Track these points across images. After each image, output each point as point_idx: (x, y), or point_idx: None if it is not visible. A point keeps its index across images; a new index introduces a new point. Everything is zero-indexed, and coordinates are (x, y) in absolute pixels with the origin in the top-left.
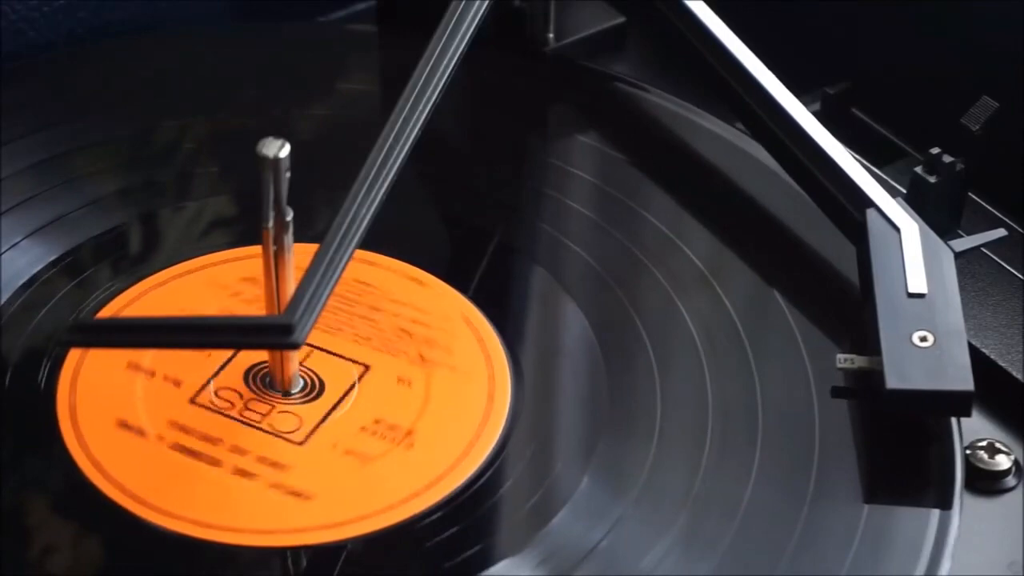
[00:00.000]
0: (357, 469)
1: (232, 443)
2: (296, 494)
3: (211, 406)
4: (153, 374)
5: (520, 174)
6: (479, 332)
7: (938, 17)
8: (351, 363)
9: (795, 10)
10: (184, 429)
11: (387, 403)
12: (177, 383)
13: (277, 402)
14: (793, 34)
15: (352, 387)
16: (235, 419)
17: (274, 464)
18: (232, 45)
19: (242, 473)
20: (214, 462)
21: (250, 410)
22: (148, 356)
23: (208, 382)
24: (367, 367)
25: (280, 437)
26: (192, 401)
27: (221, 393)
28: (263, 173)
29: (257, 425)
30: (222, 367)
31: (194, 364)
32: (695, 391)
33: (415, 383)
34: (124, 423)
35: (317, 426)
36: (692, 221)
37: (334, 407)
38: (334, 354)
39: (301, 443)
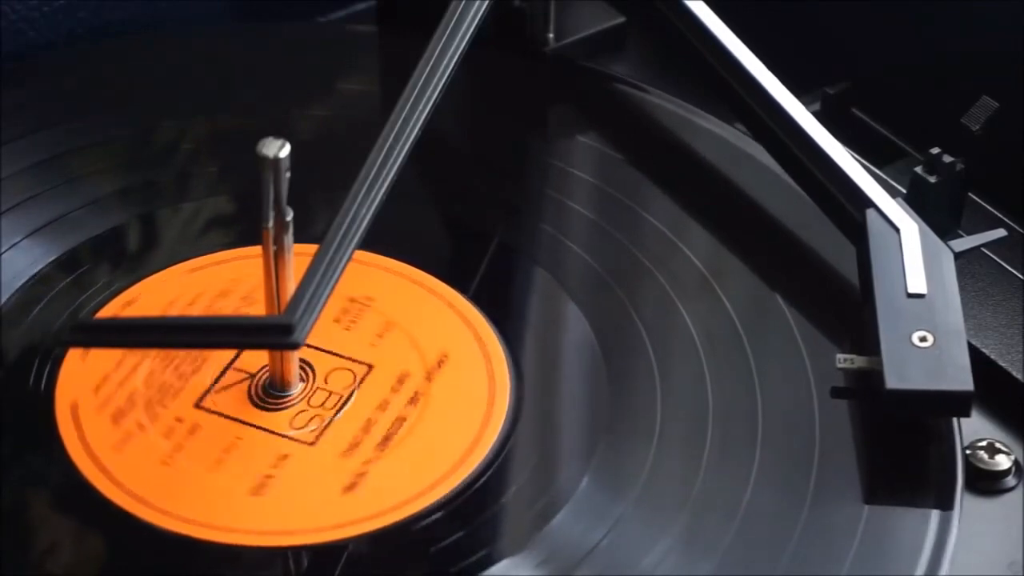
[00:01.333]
0: (359, 467)
1: (234, 443)
2: (303, 493)
3: (215, 409)
4: (154, 380)
5: (520, 174)
6: (479, 332)
7: (938, 17)
8: (351, 362)
9: (795, 10)
10: (191, 432)
11: (389, 400)
12: (180, 387)
13: (279, 403)
14: (793, 34)
15: (354, 386)
16: (241, 421)
17: (278, 464)
18: (232, 45)
19: (245, 473)
20: (219, 463)
21: (254, 412)
22: (148, 359)
23: (211, 386)
24: (369, 367)
25: (289, 437)
26: (197, 405)
27: (224, 395)
28: (263, 173)
29: (261, 426)
30: (224, 370)
31: (197, 366)
32: (695, 391)
33: (415, 383)
34: (124, 423)
35: (327, 424)
36: (692, 221)
37: (337, 407)
38: (334, 354)
39: (314, 442)
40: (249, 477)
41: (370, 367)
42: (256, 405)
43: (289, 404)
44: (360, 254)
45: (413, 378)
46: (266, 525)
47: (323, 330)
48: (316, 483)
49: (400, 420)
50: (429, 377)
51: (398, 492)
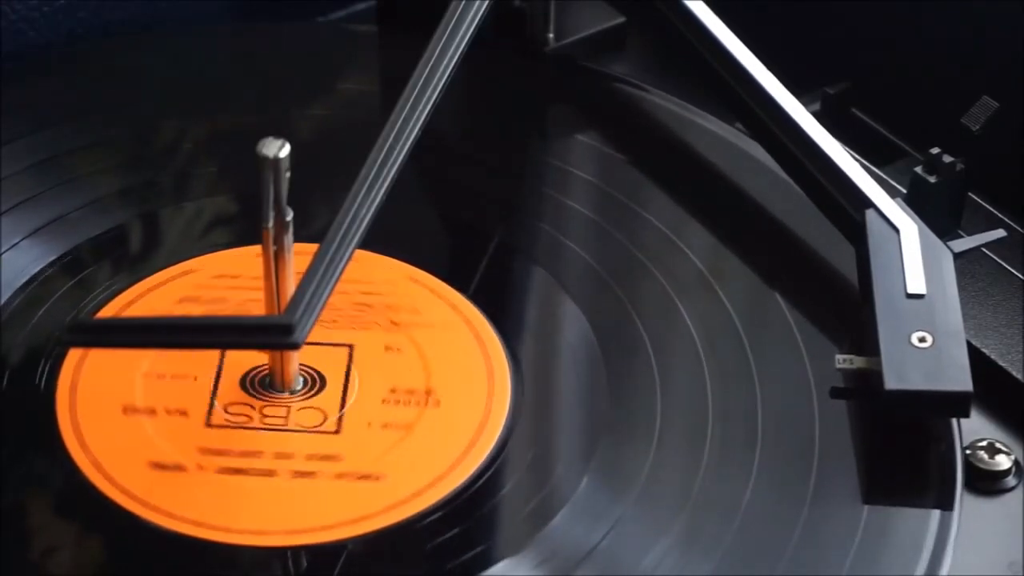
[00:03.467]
0: (363, 466)
1: (267, 450)
2: (360, 478)
3: (228, 423)
4: (156, 373)
5: (520, 174)
6: (479, 332)
7: (938, 17)
8: (333, 347)
9: (795, 10)
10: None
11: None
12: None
13: (289, 402)
14: (793, 34)
15: (349, 368)
16: (258, 428)
17: (322, 458)
18: (232, 45)
19: (250, 472)
20: (214, 461)
21: (267, 416)
22: (147, 358)
23: (212, 403)
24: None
25: (313, 431)
26: (208, 424)
27: (230, 409)
28: (263, 173)
29: (283, 428)
30: (216, 382)
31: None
32: (695, 391)
33: (416, 384)
34: (125, 423)
35: (342, 411)
36: (692, 221)
37: (345, 390)
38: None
39: (336, 431)
40: (256, 477)
41: (351, 347)
42: (270, 410)
43: (290, 402)
44: (360, 253)
45: (414, 380)
46: (266, 525)
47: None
48: (322, 481)
49: (403, 414)
50: (429, 378)
51: (409, 484)
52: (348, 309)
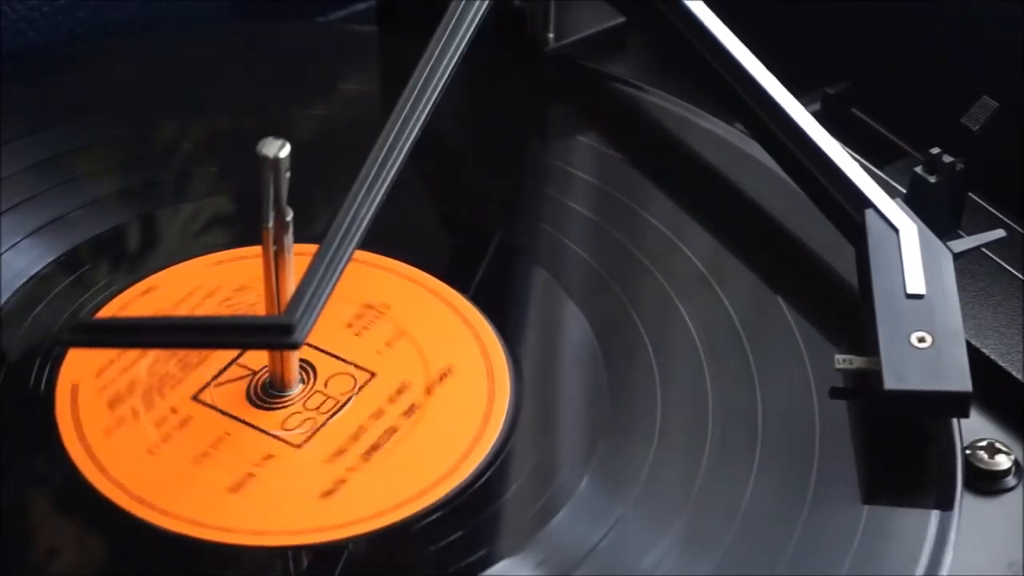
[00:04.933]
0: (360, 468)
1: (235, 443)
2: (300, 494)
3: (211, 403)
4: (153, 378)
5: (520, 174)
6: (479, 332)
7: (938, 17)
8: (355, 368)
9: (795, 10)
10: (189, 432)
11: (388, 403)
12: (181, 378)
13: (280, 403)
14: (793, 34)
15: (354, 387)
16: (238, 420)
17: (277, 464)
18: (232, 45)
19: (245, 474)
20: (219, 463)
21: (254, 411)
22: (147, 357)
23: (212, 379)
24: (372, 374)
25: (286, 437)
26: (195, 398)
27: (223, 390)
28: (263, 173)
29: (260, 427)
30: (228, 365)
31: (202, 359)
32: (695, 391)
33: (414, 382)
34: (125, 424)
35: (320, 426)
36: (692, 221)
37: (336, 408)
38: (332, 355)
39: (301, 444)
40: (231, 474)
41: (372, 375)
42: (252, 403)
43: (285, 404)
44: (360, 254)
45: (413, 386)
46: (241, 523)
47: (332, 334)
48: (295, 486)
49: (391, 431)
50: (428, 380)
51: (398, 492)
52: (386, 329)
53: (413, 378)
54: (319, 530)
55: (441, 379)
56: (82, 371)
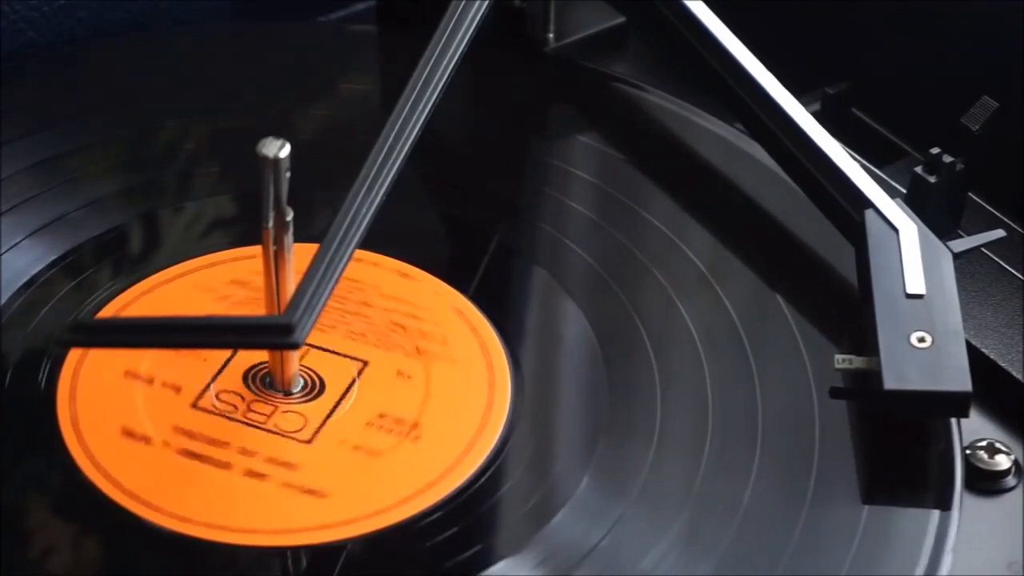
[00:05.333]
0: (366, 464)
1: (238, 445)
2: (306, 492)
3: (213, 409)
4: (152, 380)
5: (520, 174)
6: (479, 332)
7: (938, 17)
8: (349, 359)
9: (795, 10)
10: (189, 434)
11: (389, 398)
12: (177, 388)
13: (279, 402)
14: (793, 34)
15: (352, 383)
16: (239, 421)
17: (282, 464)
18: (232, 45)
19: (248, 474)
20: (220, 464)
21: (253, 411)
22: (146, 360)
23: (208, 386)
24: (365, 363)
25: (286, 436)
26: (194, 406)
27: (222, 396)
28: (263, 173)
29: (262, 426)
30: (220, 370)
31: (192, 368)
32: (695, 391)
33: (415, 381)
34: (125, 424)
35: (324, 422)
36: (692, 221)
37: (337, 404)
38: (331, 351)
39: (310, 440)
40: (240, 474)
41: (367, 363)
42: (253, 403)
43: (288, 403)
44: (359, 252)
45: (413, 379)
46: (264, 524)
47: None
48: (325, 480)
49: (399, 420)
50: (428, 376)
51: (398, 491)
52: (386, 329)
53: (409, 360)
54: (361, 520)
55: (436, 356)
56: (82, 371)
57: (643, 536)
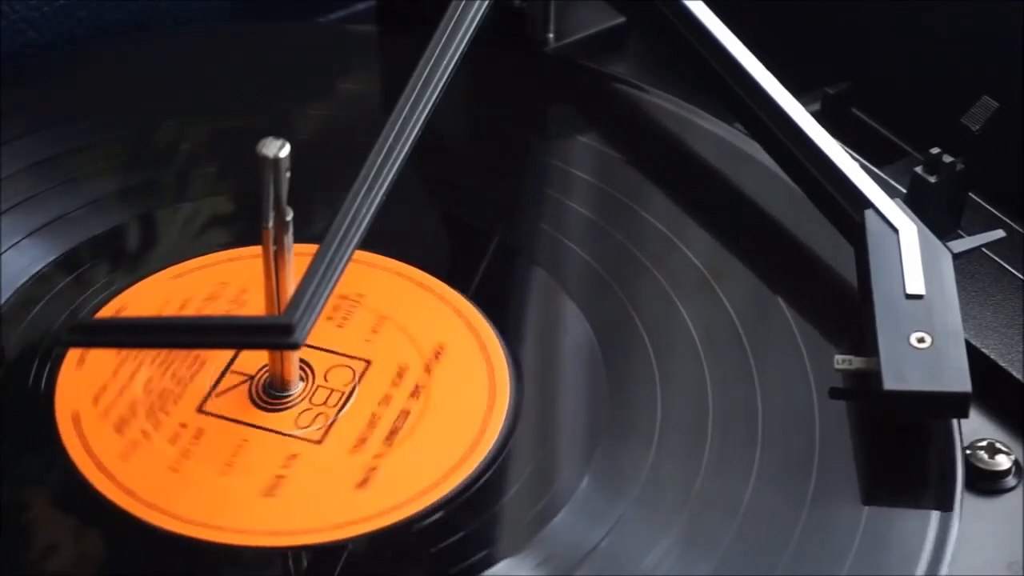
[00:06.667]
0: (387, 454)
1: (255, 448)
2: (335, 487)
3: (213, 410)
4: (151, 380)
5: (520, 174)
6: (479, 332)
7: (938, 17)
8: (349, 358)
9: (795, 10)
10: (188, 434)
11: (389, 399)
12: (177, 388)
13: (280, 403)
14: (793, 34)
15: (353, 384)
16: (239, 421)
17: (282, 464)
18: (232, 45)
19: (248, 474)
20: (219, 464)
21: (252, 412)
22: (146, 360)
23: (208, 386)
24: (367, 363)
25: (286, 437)
26: (194, 406)
27: (222, 396)
28: (263, 173)
29: (262, 427)
30: (220, 370)
31: (192, 368)
32: (695, 391)
33: (415, 382)
34: (124, 424)
35: (334, 420)
36: (692, 221)
37: (344, 399)
38: (331, 351)
39: (321, 440)
40: (260, 479)
41: (368, 363)
42: (258, 406)
43: (291, 404)
44: (358, 253)
45: (413, 374)
46: (281, 525)
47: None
48: (328, 481)
49: (404, 413)
50: (428, 376)
51: (410, 484)
52: (386, 329)
53: (409, 360)
54: (362, 520)
55: (436, 356)
56: (82, 373)
57: (643, 536)
